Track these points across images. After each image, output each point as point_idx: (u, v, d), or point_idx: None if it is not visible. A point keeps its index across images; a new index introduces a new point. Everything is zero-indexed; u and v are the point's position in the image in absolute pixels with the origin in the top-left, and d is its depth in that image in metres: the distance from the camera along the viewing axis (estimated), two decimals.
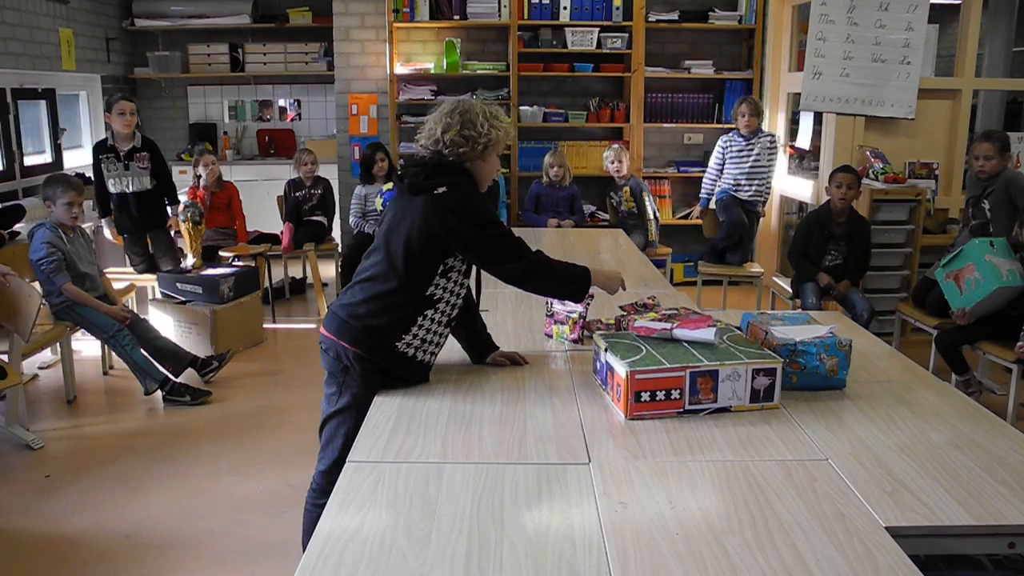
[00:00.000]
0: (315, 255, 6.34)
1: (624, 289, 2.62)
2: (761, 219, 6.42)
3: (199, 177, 6.15)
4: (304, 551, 2.53)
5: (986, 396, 4.39)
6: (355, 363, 2.39)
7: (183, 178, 7.13)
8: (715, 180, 6.11)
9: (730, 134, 6.04)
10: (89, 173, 6.18)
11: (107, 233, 5.59)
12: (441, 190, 2.33)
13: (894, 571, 1.49)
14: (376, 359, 2.39)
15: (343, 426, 2.40)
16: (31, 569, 2.95)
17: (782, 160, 6.60)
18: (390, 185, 5.85)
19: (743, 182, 5.94)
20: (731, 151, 6.00)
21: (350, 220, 6.18)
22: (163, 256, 5.68)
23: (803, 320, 2.60)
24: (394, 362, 2.40)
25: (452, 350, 2.67)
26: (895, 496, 1.79)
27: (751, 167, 5.92)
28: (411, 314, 2.37)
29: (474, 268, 2.55)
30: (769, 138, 5.98)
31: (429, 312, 2.39)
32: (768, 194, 6.07)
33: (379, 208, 5.79)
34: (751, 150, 5.91)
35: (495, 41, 7.05)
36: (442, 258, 2.36)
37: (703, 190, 6.22)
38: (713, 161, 6.13)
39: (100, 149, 5.45)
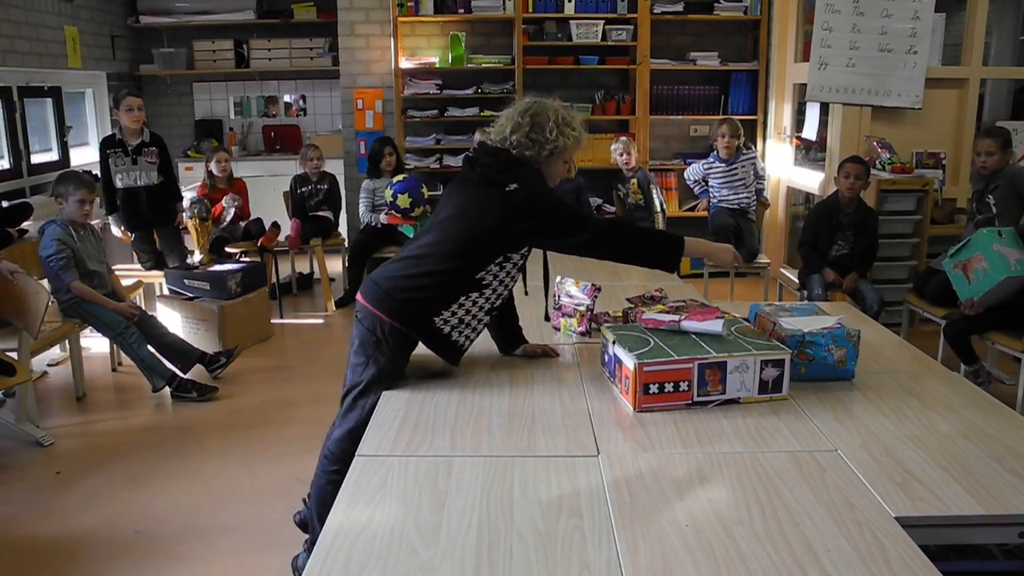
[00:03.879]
0: (322, 250, 6.35)
1: (739, 264, 2.57)
2: (767, 210, 6.42)
3: (211, 174, 6.16)
4: (312, 515, 2.55)
5: (995, 386, 4.38)
6: (389, 337, 2.39)
7: (189, 175, 7.15)
8: (700, 184, 6.20)
9: (710, 158, 6.06)
10: (96, 170, 6.20)
11: (114, 230, 5.60)
12: (512, 187, 2.32)
13: (904, 561, 1.49)
14: (411, 332, 2.39)
15: (364, 398, 2.40)
16: (43, 565, 2.97)
17: (788, 151, 6.58)
18: (401, 177, 5.87)
19: (730, 197, 5.99)
20: (713, 176, 6.05)
21: (360, 214, 6.19)
22: (171, 253, 5.70)
23: (811, 311, 2.59)
24: (429, 335, 2.40)
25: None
26: (905, 486, 1.78)
27: (735, 187, 5.97)
28: (455, 293, 2.37)
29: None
30: (751, 159, 6.01)
31: (474, 295, 2.39)
32: (758, 197, 6.10)
33: (388, 199, 5.79)
34: (733, 174, 5.96)
35: (500, 34, 7.04)
36: (504, 251, 2.36)
37: (696, 188, 6.28)
38: (692, 175, 6.19)
39: (108, 144, 5.46)
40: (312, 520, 2.67)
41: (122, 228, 5.56)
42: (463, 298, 2.38)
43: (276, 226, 6.29)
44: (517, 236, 2.34)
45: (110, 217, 5.57)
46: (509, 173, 2.35)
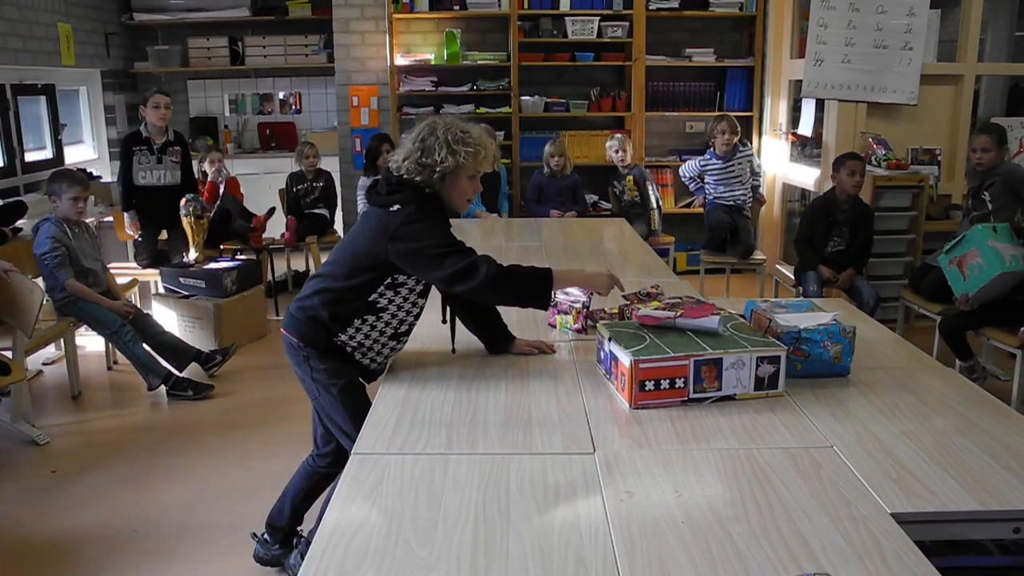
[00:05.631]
0: (317, 247, 6.34)
1: (622, 290, 2.61)
2: (763, 207, 6.43)
3: (205, 173, 6.16)
4: (286, 498, 2.69)
5: (990, 382, 4.39)
6: (312, 352, 2.44)
7: None
8: (695, 181, 6.21)
9: (707, 155, 6.06)
10: (91, 168, 6.19)
11: (128, 227, 5.58)
12: (395, 208, 2.34)
13: (900, 557, 1.49)
14: (315, 349, 2.43)
15: (335, 408, 2.45)
16: (39, 565, 2.96)
17: (784, 148, 6.59)
18: None
19: (726, 193, 6.00)
20: (710, 173, 6.05)
21: (359, 211, 6.17)
22: (178, 253, 5.68)
23: (807, 307, 2.59)
24: (331, 353, 2.43)
25: (456, 341, 2.66)
26: (900, 482, 1.78)
27: (732, 184, 5.97)
28: (350, 313, 2.40)
29: None
30: (748, 156, 6.02)
31: (370, 318, 2.41)
32: (754, 194, 6.12)
33: None
34: (730, 170, 5.97)
35: (495, 31, 7.03)
36: (389, 272, 2.37)
37: (691, 185, 6.28)
38: (688, 172, 6.18)
39: (133, 140, 5.46)
40: (284, 507, 2.79)
41: (137, 225, 5.54)
42: (358, 321, 2.40)
43: (271, 212, 6.29)
44: (391, 256, 2.31)
45: (126, 214, 5.56)
46: (396, 195, 2.36)
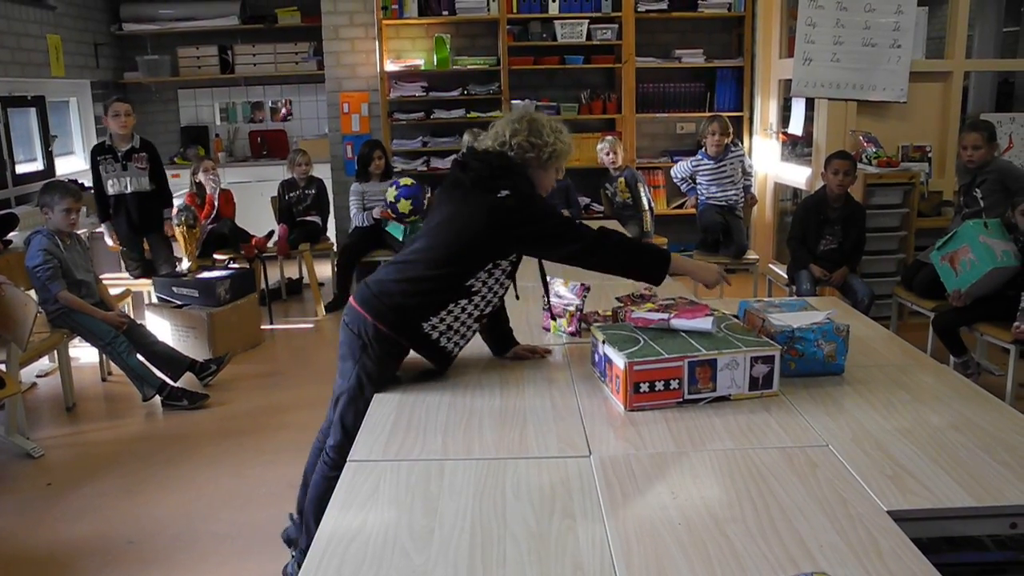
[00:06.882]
0: (311, 255, 6.34)
1: (728, 283, 2.66)
2: (754, 207, 6.44)
3: (198, 184, 6.15)
4: (310, 520, 2.52)
5: (985, 377, 4.40)
6: (374, 342, 2.39)
7: (176, 182, 7.10)
8: (687, 182, 6.19)
9: (698, 155, 6.06)
10: (82, 179, 6.17)
11: (107, 239, 5.56)
12: (504, 193, 2.34)
13: (897, 555, 1.50)
14: (400, 337, 2.40)
15: (354, 404, 2.40)
16: None
17: (775, 147, 6.60)
18: (409, 181, 5.77)
19: (718, 194, 5.99)
20: (702, 173, 6.04)
21: (352, 216, 6.17)
22: (161, 261, 5.66)
23: (800, 306, 2.60)
24: (418, 341, 2.41)
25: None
26: (896, 480, 1.79)
27: (724, 184, 5.97)
28: (444, 300, 2.38)
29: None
30: (739, 156, 6.03)
31: (463, 302, 2.40)
32: (745, 193, 6.11)
33: (390, 199, 5.71)
34: (722, 171, 5.96)
35: (484, 35, 7.04)
36: (493, 257, 2.38)
37: (683, 186, 6.28)
38: (679, 173, 6.17)
39: (98, 151, 5.44)
40: (309, 525, 2.66)
41: (114, 236, 5.53)
42: (452, 305, 2.38)
43: (270, 235, 6.29)
44: (507, 243, 2.36)
45: (103, 225, 5.54)
46: (502, 180, 2.36)
